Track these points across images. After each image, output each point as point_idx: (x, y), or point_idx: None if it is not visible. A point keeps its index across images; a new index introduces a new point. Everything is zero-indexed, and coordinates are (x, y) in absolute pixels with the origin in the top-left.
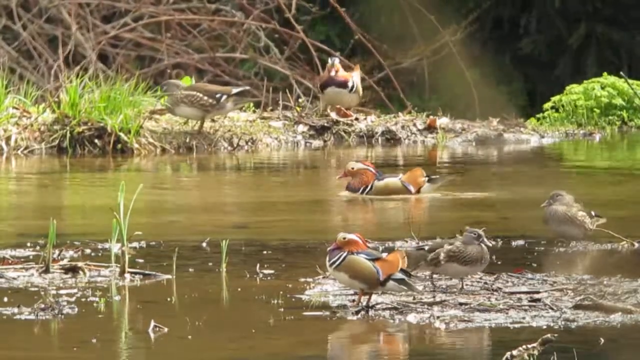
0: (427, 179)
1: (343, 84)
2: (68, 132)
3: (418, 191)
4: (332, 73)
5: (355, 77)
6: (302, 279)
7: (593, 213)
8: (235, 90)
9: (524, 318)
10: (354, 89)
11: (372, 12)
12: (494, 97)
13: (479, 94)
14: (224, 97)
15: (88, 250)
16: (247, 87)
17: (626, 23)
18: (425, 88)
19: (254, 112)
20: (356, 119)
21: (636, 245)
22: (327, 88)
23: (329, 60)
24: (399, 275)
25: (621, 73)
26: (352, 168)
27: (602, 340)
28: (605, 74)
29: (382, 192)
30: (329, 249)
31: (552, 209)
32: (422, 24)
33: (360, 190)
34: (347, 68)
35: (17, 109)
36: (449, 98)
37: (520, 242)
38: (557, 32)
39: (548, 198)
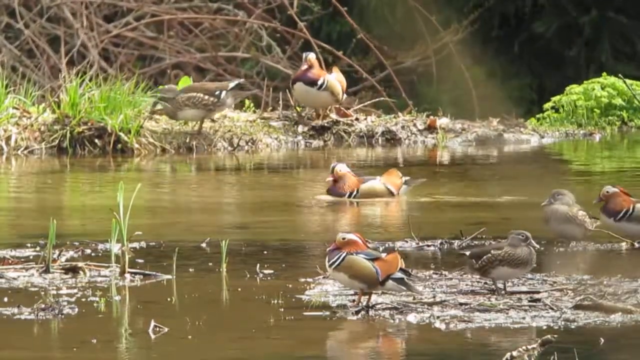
0: (404, 180)
1: (311, 81)
2: (68, 132)
3: (397, 193)
4: (304, 67)
5: (329, 77)
6: (302, 279)
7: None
8: (231, 85)
9: (524, 318)
10: (324, 87)
11: (374, 12)
12: (500, 95)
13: (484, 92)
14: (223, 93)
15: (88, 251)
16: (242, 80)
17: (635, 13)
18: (427, 87)
19: (254, 112)
20: (356, 119)
21: (637, 245)
22: (295, 83)
23: (304, 55)
24: (399, 275)
25: (619, 75)
26: (340, 170)
27: (602, 341)
28: (604, 74)
29: (367, 195)
30: (328, 249)
31: (553, 208)
32: (424, 23)
33: (347, 195)
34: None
35: (17, 109)
36: (451, 97)
37: None
38: (569, 19)
39: (549, 197)
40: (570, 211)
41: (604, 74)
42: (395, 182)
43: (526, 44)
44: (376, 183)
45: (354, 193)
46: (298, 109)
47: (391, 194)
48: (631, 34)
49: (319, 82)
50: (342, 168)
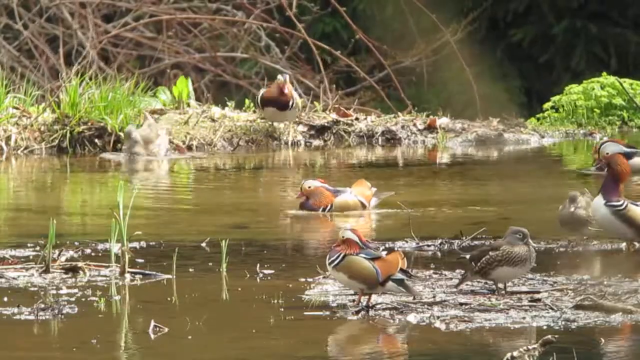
0: (374, 192)
1: (284, 105)
2: (68, 132)
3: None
4: (285, 90)
5: (295, 96)
6: (302, 279)
7: None
8: None
9: (524, 318)
10: (293, 106)
11: (373, 11)
12: (494, 96)
13: (479, 93)
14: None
15: (88, 250)
16: None
17: (616, 19)
18: (425, 87)
19: (254, 112)
20: (356, 118)
21: (637, 245)
22: (268, 106)
23: (279, 77)
24: (399, 276)
25: (616, 78)
26: (309, 187)
27: (602, 341)
28: (604, 73)
29: (341, 209)
30: (332, 247)
31: (571, 212)
32: (422, 23)
33: (322, 209)
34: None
35: (17, 108)
36: (450, 97)
37: None
38: (546, 26)
39: (568, 200)
40: (589, 214)
41: (604, 73)
42: (366, 194)
43: (511, 48)
44: (349, 196)
45: (328, 208)
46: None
47: (363, 206)
48: (607, 41)
49: (290, 104)
50: (312, 184)
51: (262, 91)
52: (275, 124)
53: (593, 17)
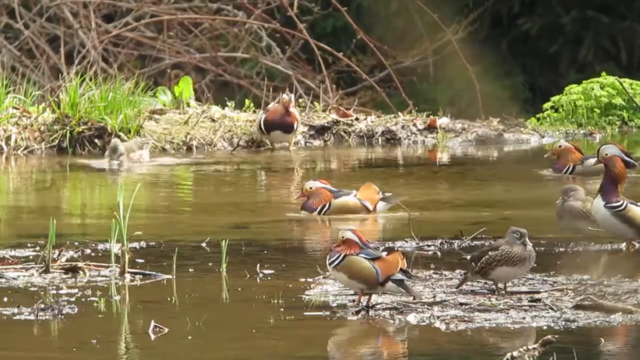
0: (381, 196)
1: (289, 128)
2: (68, 132)
3: (374, 209)
4: (291, 109)
5: (298, 117)
6: (302, 279)
7: None
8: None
9: (524, 318)
10: (296, 128)
11: (377, 7)
12: (498, 94)
13: (482, 91)
14: None
15: (88, 251)
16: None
17: (623, 12)
18: (427, 87)
19: (254, 112)
20: (356, 119)
21: (637, 245)
22: (274, 130)
23: (284, 96)
24: (399, 276)
25: (616, 78)
26: (310, 188)
27: (602, 341)
28: (604, 73)
29: (340, 211)
30: (333, 246)
31: (568, 204)
32: (425, 20)
33: (318, 210)
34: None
35: (17, 109)
36: (453, 96)
37: None
38: (553, 18)
39: (561, 194)
40: (585, 207)
41: (604, 73)
42: (372, 197)
43: (515, 43)
44: (350, 198)
45: (325, 208)
46: (298, 108)
47: (367, 209)
48: (615, 33)
49: (294, 127)
50: (313, 185)
51: (263, 115)
52: (276, 144)
53: (600, 10)
